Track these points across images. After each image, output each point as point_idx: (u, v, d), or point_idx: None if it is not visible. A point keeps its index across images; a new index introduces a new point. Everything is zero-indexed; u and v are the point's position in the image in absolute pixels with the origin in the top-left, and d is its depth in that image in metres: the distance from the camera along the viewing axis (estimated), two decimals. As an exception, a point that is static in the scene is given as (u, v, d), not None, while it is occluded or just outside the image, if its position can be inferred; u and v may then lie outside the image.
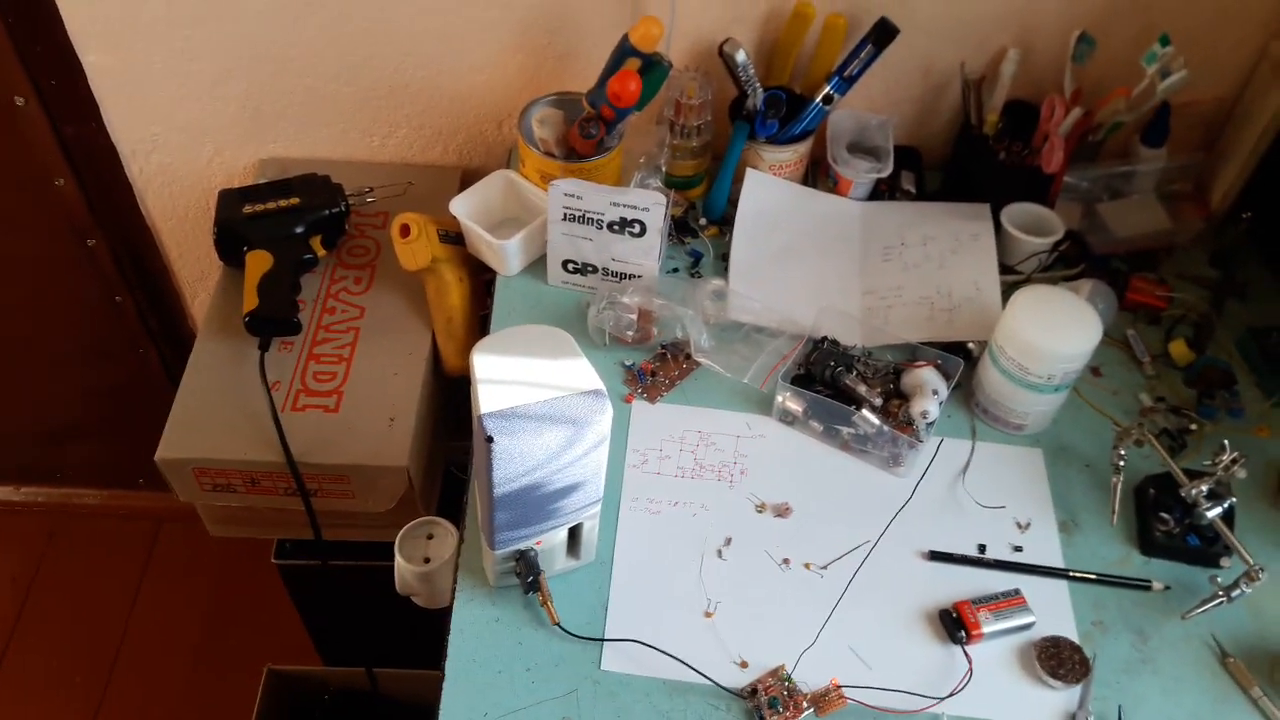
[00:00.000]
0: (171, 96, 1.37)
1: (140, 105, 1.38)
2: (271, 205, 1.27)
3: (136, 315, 1.68)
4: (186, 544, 2.04)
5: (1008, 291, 1.09)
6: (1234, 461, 0.97)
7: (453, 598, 0.95)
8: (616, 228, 1.15)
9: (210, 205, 1.29)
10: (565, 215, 1.15)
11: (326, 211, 1.28)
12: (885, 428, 1.05)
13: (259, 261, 1.23)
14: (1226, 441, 0.98)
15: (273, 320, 1.20)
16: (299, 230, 1.26)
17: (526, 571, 0.91)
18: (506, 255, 1.19)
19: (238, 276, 1.24)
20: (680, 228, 1.30)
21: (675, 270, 1.26)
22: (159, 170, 1.46)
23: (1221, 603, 0.93)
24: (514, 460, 0.80)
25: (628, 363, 1.15)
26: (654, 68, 1.17)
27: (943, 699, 0.88)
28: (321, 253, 1.28)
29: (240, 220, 1.26)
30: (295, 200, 1.28)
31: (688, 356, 1.15)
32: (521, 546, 0.90)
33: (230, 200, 1.28)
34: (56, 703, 1.85)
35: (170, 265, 1.62)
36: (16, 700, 1.85)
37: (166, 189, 1.49)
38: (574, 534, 0.93)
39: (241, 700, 1.51)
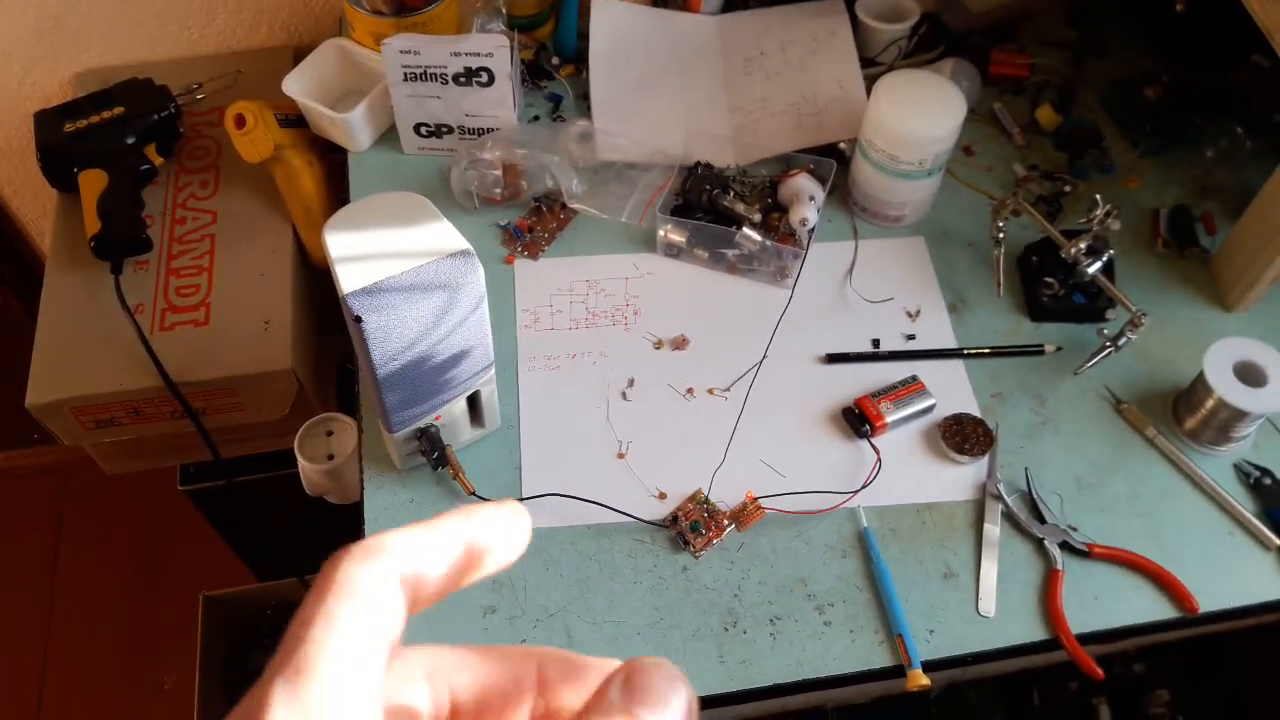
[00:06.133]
0: (-44, 18, 1.25)
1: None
2: (94, 119, 1.18)
3: (-17, 263, 1.58)
4: (95, 490, 1.98)
5: (871, 85, 1.07)
6: (1107, 215, 0.98)
7: (362, 489, 0.93)
8: (463, 80, 1.09)
9: (31, 132, 1.19)
10: (406, 75, 1.08)
11: (155, 116, 1.20)
12: (768, 242, 1.04)
13: (93, 181, 1.15)
14: (1099, 196, 0.99)
15: (120, 240, 1.13)
16: (130, 141, 1.18)
17: (431, 448, 0.90)
18: (352, 129, 1.13)
19: (75, 202, 1.16)
20: (534, 71, 1.24)
21: (536, 118, 1.21)
22: (-35, 102, 1.35)
23: (1110, 353, 0.96)
24: (390, 337, 0.77)
25: (502, 222, 1.11)
26: (471, -99, 1.10)
27: (856, 491, 0.90)
28: (159, 161, 1.20)
29: (63, 140, 1.17)
30: (119, 110, 1.19)
31: (563, 206, 1.12)
32: (420, 425, 0.88)
33: (48, 121, 1.19)
34: (-1, 672, 1.82)
35: (5, 203, 1.51)
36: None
37: (-22, 122, 1.38)
38: (474, 403, 0.91)
39: (185, 633, 1.50)
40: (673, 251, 1.09)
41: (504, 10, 1.19)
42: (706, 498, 0.91)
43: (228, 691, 1.48)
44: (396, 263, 0.77)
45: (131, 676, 1.80)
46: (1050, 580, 0.86)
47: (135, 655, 1.82)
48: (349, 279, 0.76)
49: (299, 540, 1.43)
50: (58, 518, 1.97)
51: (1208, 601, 0.86)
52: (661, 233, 1.07)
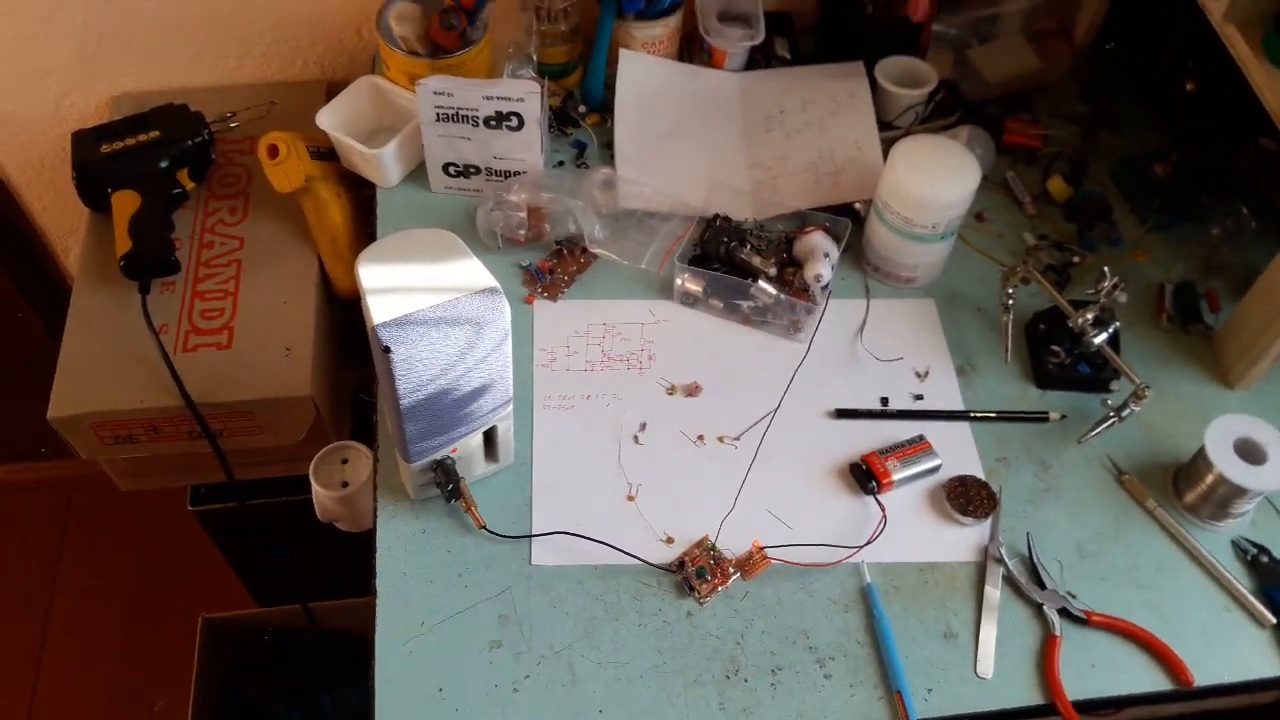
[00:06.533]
0: (3, 36, 1.27)
1: (-32, 50, 1.29)
2: (130, 141, 1.21)
3: (8, 277, 1.59)
4: (101, 506, 1.98)
5: (888, 148, 1.10)
6: (1115, 286, 1.01)
7: (375, 518, 0.94)
8: (493, 123, 1.12)
9: (67, 151, 1.22)
10: (438, 115, 1.11)
11: (189, 142, 1.23)
12: (782, 296, 1.06)
13: (126, 202, 1.17)
14: (1107, 269, 1.02)
15: (149, 261, 1.15)
16: (163, 165, 1.21)
17: (446, 480, 0.91)
18: (383, 165, 1.16)
19: (106, 222, 1.18)
20: (561, 118, 1.27)
21: (561, 163, 1.24)
22: (4, 120, 1.37)
23: (1113, 423, 0.98)
24: (415, 369, 0.79)
25: (524, 263, 1.13)
26: (511, -49, 1.13)
27: (861, 547, 0.92)
28: (190, 185, 1.22)
29: (99, 161, 1.20)
30: (155, 134, 1.22)
31: (584, 250, 1.14)
32: (437, 456, 0.90)
33: (86, 141, 1.22)
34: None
35: (35, 220, 1.54)
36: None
37: (16, 139, 1.40)
38: (490, 438, 0.93)
39: (182, 654, 1.50)
40: (689, 300, 1.11)
41: (535, 58, 1.22)
42: (713, 545, 0.92)
43: (219, 716, 1.48)
44: (426, 297, 0.80)
45: (124, 696, 1.79)
46: (1048, 646, 0.88)
47: (129, 674, 1.81)
48: (380, 310, 0.78)
49: (303, 566, 1.45)
50: (61, 532, 1.97)
51: (1203, 675, 0.87)
52: (679, 281, 1.10)
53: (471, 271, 0.83)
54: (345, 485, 1.08)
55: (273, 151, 1.14)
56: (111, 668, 1.82)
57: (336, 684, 1.56)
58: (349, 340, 1.29)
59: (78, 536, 1.97)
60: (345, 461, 1.10)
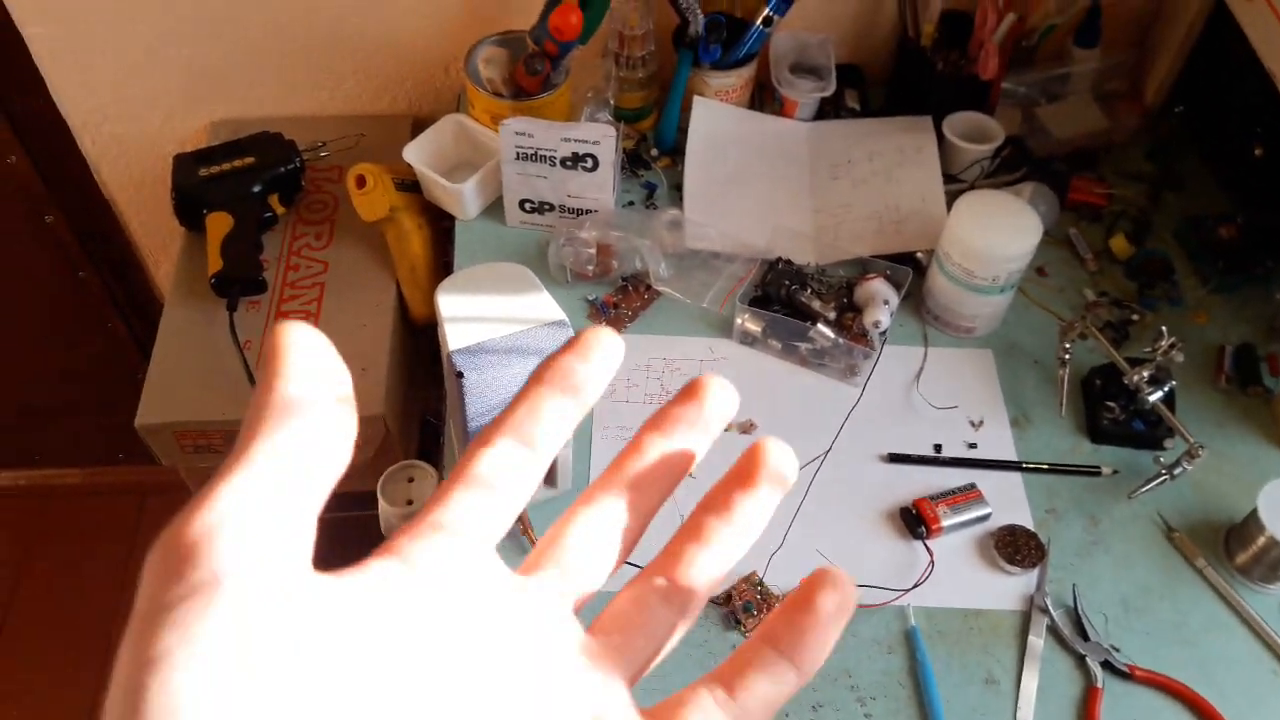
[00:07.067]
0: (115, 65, 1.36)
1: (85, 76, 1.37)
2: (227, 166, 1.28)
3: (102, 288, 1.68)
4: (172, 515, 2.05)
5: (953, 200, 1.12)
6: (1171, 346, 1.02)
7: (437, 533, 0.98)
8: (570, 163, 1.17)
9: (165, 172, 1.30)
10: (518, 154, 1.17)
11: (282, 169, 1.30)
12: (840, 340, 1.09)
13: (219, 223, 1.24)
14: (1164, 328, 1.03)
15: (238, 280, 1.22)
16: (256, 189, 1.28)
17: (506, 503, 0.95)
18: (463, 199, 1.21)
19: (200, 241, 1.25)
20: (633, 161, 1.32)
21: (631, 203, 1.28)
22: (111, 141, 1.46)
23: (1165, 480, 0.99)
24: (485, 394, 0.84)
25: (590, 297, 1.18)
26: (594, 0, 1.19)
27: (907, 590, 0.94)
28: (280, 210, 1.29)
29: (197, 184, 1.27)
30: (250, 159, 1.29)
31: (648, 287, 1.18)
32: (499, 479, 0.94)
33: (185, 164, 1.29)
34: (57, 685, 1.87)
35: (131, 236, 1.62)
36: (15, 685, 1.87)
37: (120, 159, 1.49)
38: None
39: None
40: (748, 340, 1.14)
41: (612, 102, 1.27)
42: (761, 580, 0.95)
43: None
44: (498, 326, 0.84)
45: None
46: (1089, 697, 0.88)
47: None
48: (456, 338, 0.83)
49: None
50: (131, 538, 2.05)
51: (1246, 736, 0.87)
52: (739, 321, 1.13)
53: (542, 304, 0.87)
54: (410, 503, 1.13)
55: (360, 182, 1.20)
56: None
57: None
58: (421, 364, 1.35)
59: (147, 544, 2.04)
60: (411, 480, 1.15)
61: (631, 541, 0.30)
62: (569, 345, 0.29)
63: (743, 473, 0.30)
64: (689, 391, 0.31)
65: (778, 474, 0.30)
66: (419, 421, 1.36)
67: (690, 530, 0.30)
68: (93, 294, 1.68)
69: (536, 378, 0.29)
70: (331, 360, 0.26)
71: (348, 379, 0.26)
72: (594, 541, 0.29)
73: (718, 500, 0.30)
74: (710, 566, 0.30)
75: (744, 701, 0.28)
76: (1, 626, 1.94)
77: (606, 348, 0.30)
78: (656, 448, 0.30)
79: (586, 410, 0.29)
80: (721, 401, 0.31)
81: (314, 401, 0.25)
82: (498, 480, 0.27)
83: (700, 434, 0.31)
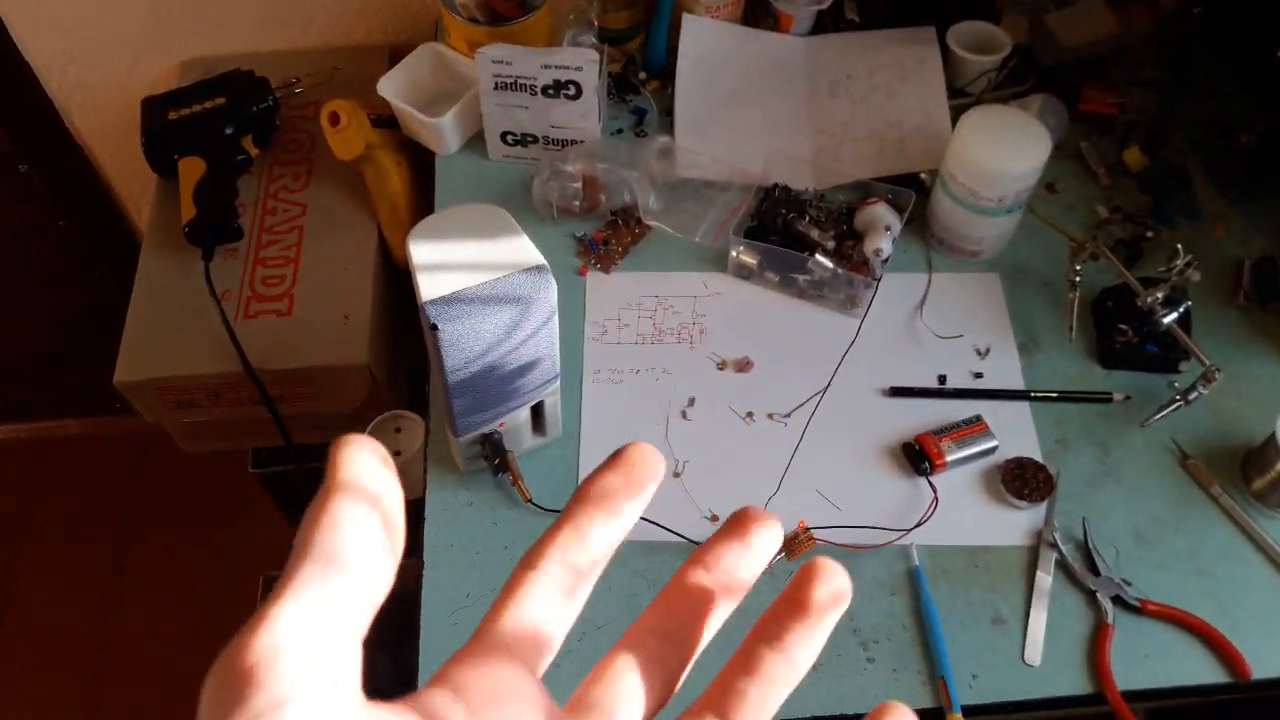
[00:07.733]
0: (77, 4, 1.30)
1: (46, 17, 1.31)
2: (197, 108, 1.23)
3: (84, 238, 1.64)
4: (172, 464, 2.04)
5: (957, 116, 1.06)
6: (1188, 265, 0.97)
7: (425, 487, 0.96)
8: (551, 92, 1.11)
9: (137, 117, 1.25)
10: (497, 84, 1.11)
11: (254, 108, 1.24)
12: (840, 270, 1.04)
13: (192, 168, 1.20)
14: (1180, 246, 0.98)
15: (213, 228, 1.17)
16: (229, 131, 1.23)
17: (493, 454, 0.92)
18: (442, 133, 1.16)
19: (174, 187, 1.21)
20: (621, 85, 1.26)
21: (620, 131, 1.23)
22: (78, 85, 1.41)
23: (1179, 406, 0.94)
24: (463, 346, 0.80)
25: (578, 234, 1.13)
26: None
27: (909, 530, 0.91)
28: (255, 152, 1.24)
29: (167, 127, 1.22)
30: (221, 100, 1.24)
31: (639, 221, 1.14)
32: (485, 430, 0.91)
33: (154, 107, 1.24)
34: (63, 635, 1.88)
35: (109, 183, 1.58)
36: (23, 636, 1.88)
37: (90, 104, 1.44)
38: (537, 412, 0.93)
39: (244, 609, 1.55)
40: (744, 273, 1.10)
41: (596, 23, 1.21)
42: (759, 523, 0.92)
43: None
44: (474, 274, 0.80)
45: (187, 647, 1.86)
46: (1100, 634, 0.86)
47: (197, 628, 1.88)
48: (428, 288, 0.78)
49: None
50: (132, 488, 2.04)
51: (1261, 668, 0.84)
52: (734, 254, 1.08)
53: (520, 248, 0.82)
54: (398, 453, 1.10)
55: (334, 119, 1.15)
56: (179, 625, 1.89)
57: (387, 643, 1.60)
58: (408, 307, 1.31)
59: (148, 492, 2.04)
60: (399, 430, 1.12)
61: (674, 680, 0.30)
62: (611, 463, 0.30)
63: (795, 600, 0.30)
64: (734, 527, 0.31)
65: (833, 599, 0.30)
66: (406, 370, 1.33)
67: (742, 662, 0.30)
68: (75, 243, 1.65)
69: (581, 498, 0.30)
70: (390, 484, 0.27)
71: (400, 502, 0.27)
72: (635, 685, 0.29)
73: (769, 630, 0.30)
74: (762, 701, 0.30)
75: None
76: (8, 577, 1.95)
77: (650, 465, 0.30)
78: (701, 584, 0.31)
79: (628, 530, 0.30)
80: (767, 536, 0.31)
81: (368, 540, 0.25)
82: (549, 614, 0.29)
83: (746, 569, 0.31)
